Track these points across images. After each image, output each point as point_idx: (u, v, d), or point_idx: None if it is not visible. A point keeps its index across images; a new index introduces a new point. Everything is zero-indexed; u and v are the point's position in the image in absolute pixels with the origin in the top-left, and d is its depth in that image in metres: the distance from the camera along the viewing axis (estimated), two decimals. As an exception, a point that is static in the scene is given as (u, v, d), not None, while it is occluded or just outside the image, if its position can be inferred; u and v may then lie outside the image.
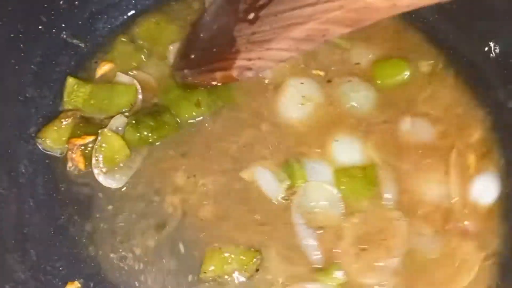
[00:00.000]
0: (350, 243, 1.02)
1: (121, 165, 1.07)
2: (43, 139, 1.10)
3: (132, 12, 1.27)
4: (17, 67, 1.09)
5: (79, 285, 1.01)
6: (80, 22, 1.21)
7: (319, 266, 1.01)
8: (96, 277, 1.03)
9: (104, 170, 1.06)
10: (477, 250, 1.03)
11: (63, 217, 1.08)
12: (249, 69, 1.01)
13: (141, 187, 1.08)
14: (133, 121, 1.08)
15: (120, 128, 1.09)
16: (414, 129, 1.11)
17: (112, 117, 1.10)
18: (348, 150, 1.09)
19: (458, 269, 1.02)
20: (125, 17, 1.27)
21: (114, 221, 1.06)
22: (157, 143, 1.10)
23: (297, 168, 1.05)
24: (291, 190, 1.05)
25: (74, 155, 1.08)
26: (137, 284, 1.02)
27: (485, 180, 1.07)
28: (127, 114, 1.11)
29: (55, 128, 1.10)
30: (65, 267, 1.04)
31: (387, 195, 1.05)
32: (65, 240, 1.06)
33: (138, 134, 1.07)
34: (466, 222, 1.04)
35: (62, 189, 1.09)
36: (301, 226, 1.02)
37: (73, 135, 1.09)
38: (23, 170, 1.08)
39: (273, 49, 0.96)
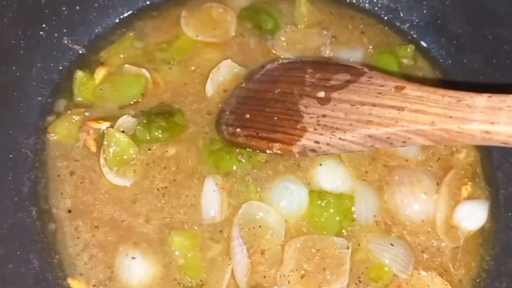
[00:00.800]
0: (290, 268, 0.98)
1: (131, 163, 1.07)
2: (53, 134, 1.11)
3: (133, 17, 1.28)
4: (18, 74, 1.09)
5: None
6: (81, 28, 1.22)
7: None
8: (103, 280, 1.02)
9: (112, 169, 1.06)
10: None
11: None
12: (313, 150, 0.96)
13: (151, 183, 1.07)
14: (144, 121, 1.08)
15: (127, 128, 1.09)
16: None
17: (124, 107, 1.13)
18: (331, 176, 1.05)
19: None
20: (127, 21, 1.27)
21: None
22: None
23: (251, 188, 1.04)
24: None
25: (87, 137, 1.09)
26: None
27: (473, 207, 1.06)
28: (133, 113, 1.12)
29: (66, 124, 1.11)
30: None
31: (357, 215, 1.03)
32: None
33: (149, 134, 1.08)
34: (443, 244, 1.04)
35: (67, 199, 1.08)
36: (237, 241, 0.98)
37: (88, 119, 1.11)
38: (26, 180, 1.08)
39: (345, 140, 0.92)
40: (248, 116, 1.05)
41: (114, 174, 1.06)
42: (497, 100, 0.79)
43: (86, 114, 1.12)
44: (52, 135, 1.11)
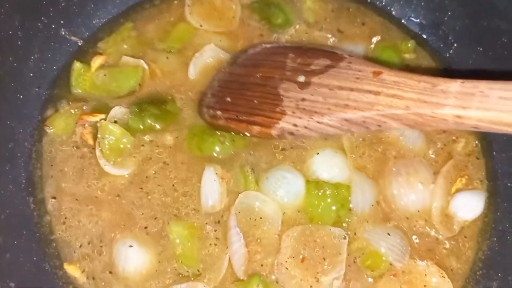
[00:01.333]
0: (287, 256, 1.00)
1: (127, 152, 1.09)
2: (51, 127, 1.13)
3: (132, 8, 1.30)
4: (15, 65, 1.11)
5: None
6: (79, 19, 1.24)
7: (241, 278, 1.00)
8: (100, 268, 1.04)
9: (110, 160, 1.08)
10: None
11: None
12: (291, 133, 1.00)
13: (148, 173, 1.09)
14: (136, 110, 1.11)
15: (120, 119, 1.11)
16: (402, 133, 1.12)
17: (121, 97, 1.14)
18: (327, 165, 1.07)
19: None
20: (125, 11, 1.29)
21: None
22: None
23: (250, 178, 1.06)
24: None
25: (84, 130, 1.11)
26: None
27: (470, 197, 1.08)
28: (125, 105, 1.13)
29: (64, 117, 1.13)
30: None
31: (354, 204, 1.05)
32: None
33: (142, 123, 1.10)
34: (439, 233, 1.06)
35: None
36: (234, 230, 1.00)
37: (84, 113, 1.13)
38: (23, 170, 1.10)
39: (323, 124, 0.96)
40: (229, 99, 1.08)
41: (111, 165, 1.08)
42: (470, 85, 0.83)
43: (84, 108, 1.14)
44: (50, 127, 1.13)
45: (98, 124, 1.09)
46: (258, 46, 1.18)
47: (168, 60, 1.20)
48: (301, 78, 1.01)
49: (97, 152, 1.08)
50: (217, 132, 1.09)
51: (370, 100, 0.91)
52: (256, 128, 1.02)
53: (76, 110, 1.14)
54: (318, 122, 0.96)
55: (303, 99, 0.98)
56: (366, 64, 0.98)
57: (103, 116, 1.11)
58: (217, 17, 1.25)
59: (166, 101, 1.14)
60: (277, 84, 1.03)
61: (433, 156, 1.13)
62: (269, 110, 1.01)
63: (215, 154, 1.09)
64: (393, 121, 0.90)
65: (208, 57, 1.19)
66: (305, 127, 0.98)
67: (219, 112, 1.07)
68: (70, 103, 1.15)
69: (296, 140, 1.09)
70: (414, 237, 1.07)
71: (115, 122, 1.10)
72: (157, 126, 1.11)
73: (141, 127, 1.10)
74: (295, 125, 0.98)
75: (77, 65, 1.17)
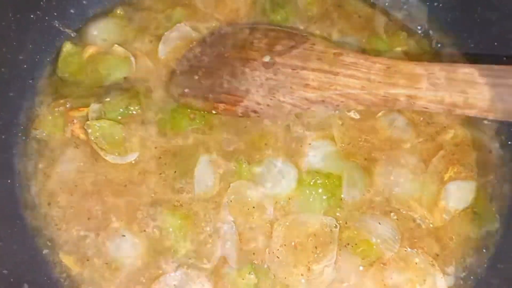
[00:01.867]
0: (279, 245, 1.03)
1: (124, 139, 1.11)
2: (40, 130, 1.14)
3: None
4: (8, 56, 1.12)
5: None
6: (72, 11, 1.24)
7: (234, 266, 1.03)
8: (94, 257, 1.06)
9: (114, 153, 1.10)
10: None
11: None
12: (255, 111, 1.05)
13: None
14: (108, 99, 1.12)
15: (98, 115, 1.12)
16: (391, 123, 1.13)
17: (103, 87, 1.15)
18: (319, 155, 1.09)
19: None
20: (118, 4, 1.28)
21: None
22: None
23: (244, 166, 1.08)
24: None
25: (73, 127, 1.12)
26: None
27: (460, 187, 1.10)
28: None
29: (50, 117, 1.15)
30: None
31: (345, 195, 1.07)
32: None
33: (118, 109, 1.12)
34: (429, 222, 1.08)
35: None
36: (226, 218, 1.04)
37: (69, 109, 1.14)
38: (17, 161, 1.12)
39: (285, 102, 1.01)
40: (196, 77, 1.12)
41: (118, 156, 1.10)
42: (421, 68, 0.90)
43: (67, 105, 1.14)
44: (41, 130, 1.14)
45: (85, 127, 1.10)
46: (228, 26, 1.21)
47: (152, 44, 1.21)
48: (267, 58, 1.06)
49: (101, 153, 1.09)
50: (188, 109, 1.12)
51: (328, 80, 0.97)
52: (221, 106, 1.07)
53: (60, 108, 1.14)
54: (279, 100, 1.01)
55: (267, 79, 1.04)
56: (328, 45, 1.04)
57: (88, 109, 1.12)
58: (223, 4, 1.26)
59: (132, 85, 1.15)
60: (244, 64, 1.08)
61: (423, 146, 1.14)
62: (234, 89, 1.06)
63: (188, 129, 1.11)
64: (350, 100, 0.96)
65: (178, 36, 1.21)
66: (268, 105, 1.03)
67: (186, 90, 1.11)
68: (53, 103, 1.15)
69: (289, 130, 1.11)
70: (404, 226, 1.09)
71: (100, 118, 1.11)
72: (134, 108, 1.12)
73: (120, 112, 1.12)
74: (258, 103, 1.04)
75: (67, 45, 1.19)
